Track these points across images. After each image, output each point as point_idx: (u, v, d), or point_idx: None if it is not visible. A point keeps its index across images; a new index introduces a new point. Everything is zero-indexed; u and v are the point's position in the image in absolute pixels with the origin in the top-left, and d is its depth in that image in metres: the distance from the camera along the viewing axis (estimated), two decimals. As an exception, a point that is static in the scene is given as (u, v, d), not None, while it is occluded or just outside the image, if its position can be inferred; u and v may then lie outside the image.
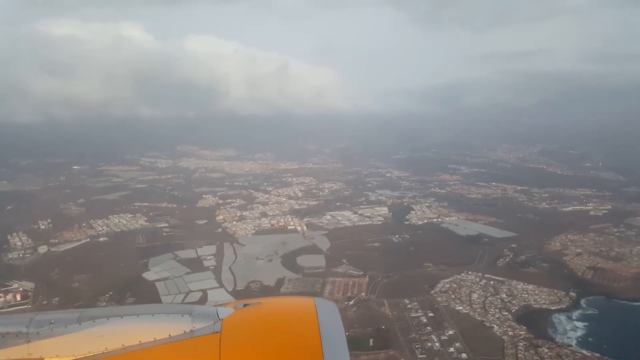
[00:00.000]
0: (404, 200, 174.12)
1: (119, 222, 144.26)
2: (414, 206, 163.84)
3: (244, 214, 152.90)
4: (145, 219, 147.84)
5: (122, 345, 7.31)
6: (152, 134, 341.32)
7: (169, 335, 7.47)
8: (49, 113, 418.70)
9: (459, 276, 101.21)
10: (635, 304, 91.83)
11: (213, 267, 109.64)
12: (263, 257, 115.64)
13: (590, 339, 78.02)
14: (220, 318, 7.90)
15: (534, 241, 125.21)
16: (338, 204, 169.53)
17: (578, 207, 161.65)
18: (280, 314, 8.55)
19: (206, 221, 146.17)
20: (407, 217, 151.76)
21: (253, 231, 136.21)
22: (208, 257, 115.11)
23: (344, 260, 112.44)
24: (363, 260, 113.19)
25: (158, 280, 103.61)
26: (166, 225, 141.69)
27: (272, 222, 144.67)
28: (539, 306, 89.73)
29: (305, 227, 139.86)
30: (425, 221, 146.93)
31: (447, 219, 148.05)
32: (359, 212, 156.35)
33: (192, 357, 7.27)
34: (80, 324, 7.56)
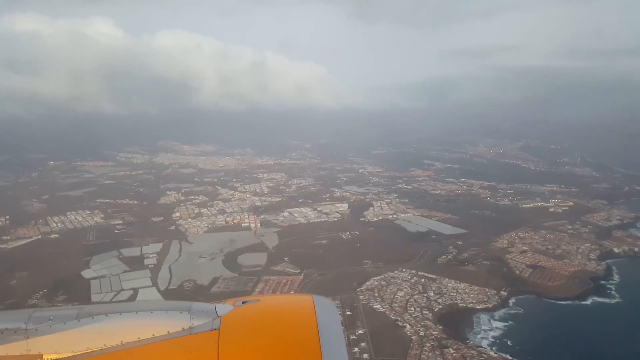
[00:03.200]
0: (367, 196, 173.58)
1: (75, 219, 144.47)
2: (374, 202, 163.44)
3: (202, 211, 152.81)
4: (102, 215, 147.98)
5: (121, 341, 7.37)
6: (135, 129, 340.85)
7: (168, 331, 7.52)
8: (26, 109, 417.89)
9: (391, 273, 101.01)
10: (561, 302, 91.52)
11: (153, 266, 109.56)
12: (206, 255, 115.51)
13: (504, 340, 77.74)
14: (219, 315, 7.93)
15: (482, 238, 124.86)
16: (300, 200, 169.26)
17: (539, 204, 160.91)
18: (279, 311, 8.62)
19: (162, 218, 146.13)
20: (365, 213, 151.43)
21: (205, 229, 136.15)
22: (151, 255, 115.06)
23: (285, 258, 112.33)
24: (305, 258, 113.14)
25: (94, 278, 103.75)
26: (121, 222, 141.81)
27: (228, 219, 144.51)
28: (464, 305, 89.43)
29: (259, 224, 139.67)
30: (381, 218, 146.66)
31: (403, 215, 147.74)
32: (318, 209, 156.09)
33: (191, 353, 7.27)
34: (79, 321, 7.63)
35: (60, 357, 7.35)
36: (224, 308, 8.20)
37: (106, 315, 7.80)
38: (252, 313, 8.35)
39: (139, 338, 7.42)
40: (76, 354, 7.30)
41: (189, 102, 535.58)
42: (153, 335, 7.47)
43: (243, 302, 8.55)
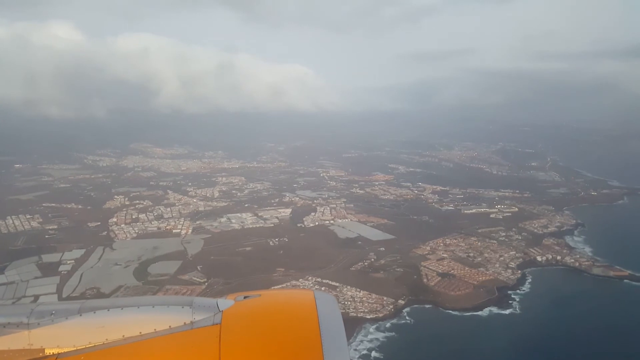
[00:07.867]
0: (316, 201, 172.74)
1: (12, 223, 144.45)
2: (318, 207, 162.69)
3: (140, 216, 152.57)
4: (41, 220, 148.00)
5: (123, 336, 7.42)
6: (111, 132, 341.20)
7: (169, 326, 7.57)
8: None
9: (295, 282, 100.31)
10: (455, 313, 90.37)
11: (65, 272, 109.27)
12: (122, 263, 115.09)
13: (374, 353, 76.67)
14: (221, 310, 7.99)
15: (406, 245, 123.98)
16: (247, 205, 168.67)
17: (482, 210, 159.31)
18: (280, 306, 8.65)
19: (99, 224, 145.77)
20: (304, 219, 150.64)
21: (135, 235, 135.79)
22: (68, 262, 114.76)
23: (198, 267, 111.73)
24: (219, 266, 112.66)
25: (2, 284, 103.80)
26: (56, 227, 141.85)
27: (162, 225, 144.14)
28: (355, 314, 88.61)
29: (190, 230, 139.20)
30: (317, 223, 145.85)
31: (340, 221, 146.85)
32: (260, 214, 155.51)
33: (192, 348, 7.30)
34: (80, 315, 7.70)
35: (62, 351, 7.34)
36: (226, 303, 8.25)
37: (108, 310, 7.85)
38: (254, 308, 8.37)
39: (140, 332, 7.43)
40: (78, 348, 7.31)
41: (164, 104, 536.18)
42: (155, 329, 7.49)
43: (245, 297, 8.60)
